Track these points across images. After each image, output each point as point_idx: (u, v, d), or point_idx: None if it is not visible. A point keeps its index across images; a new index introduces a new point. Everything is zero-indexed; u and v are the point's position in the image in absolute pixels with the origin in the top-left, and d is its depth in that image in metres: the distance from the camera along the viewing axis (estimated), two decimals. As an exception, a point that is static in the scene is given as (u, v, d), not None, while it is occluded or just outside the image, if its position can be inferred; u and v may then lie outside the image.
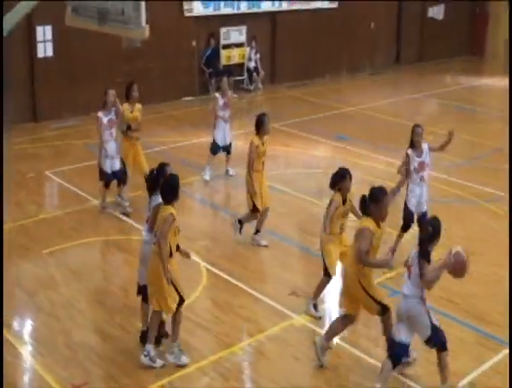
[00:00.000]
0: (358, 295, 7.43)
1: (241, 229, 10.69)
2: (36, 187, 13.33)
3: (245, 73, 22.40)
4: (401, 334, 7.00)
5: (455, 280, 9.17)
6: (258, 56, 22.29)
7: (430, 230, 6.99)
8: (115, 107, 11.91)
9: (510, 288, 9.08)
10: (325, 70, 24.20)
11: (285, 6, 22.94)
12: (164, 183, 7.77)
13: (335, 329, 7.78)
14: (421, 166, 10.23)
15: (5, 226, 11.12)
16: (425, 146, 10.37)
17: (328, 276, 8.77)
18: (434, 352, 7.07)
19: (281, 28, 23.17)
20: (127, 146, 12.03)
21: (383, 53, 27.04)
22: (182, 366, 7.54)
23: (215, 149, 13.75)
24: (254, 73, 22.30)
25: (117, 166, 11.95)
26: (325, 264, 8.74)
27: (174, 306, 7.46)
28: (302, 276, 9.87)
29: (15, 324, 8.53)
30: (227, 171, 13.94)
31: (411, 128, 10.66)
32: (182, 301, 7.56)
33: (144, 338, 7.81)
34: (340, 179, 8.48)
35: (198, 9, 20.73)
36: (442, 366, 7.05)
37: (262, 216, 10.66)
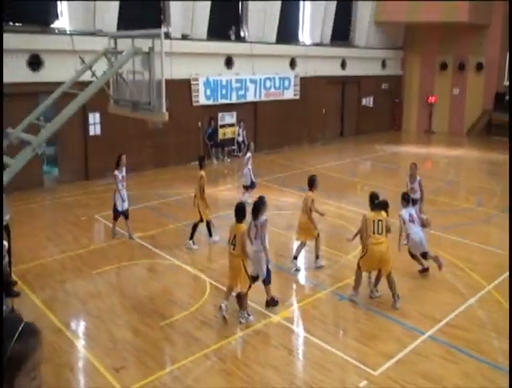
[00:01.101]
0: None
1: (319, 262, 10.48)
2: (88, 227, 13.24)
3: (236, 145, 22.53)
4: None
5: (384, 286, 9.22)
6: (245, 132, 22.45)
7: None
8: (124, 167, 12.01)
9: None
10: (291, 142, 24.39)
11: (263, 97, 23.22)
12: (238, 209, 8.31)
13: None
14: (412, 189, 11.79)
15: (64, 255, 11.08)
16: (418, 178, 11.86)
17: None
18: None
19: (260, 113, 23.37)
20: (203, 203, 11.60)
21: (331, 129, 27.32)
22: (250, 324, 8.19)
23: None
24: (242, 145, 22.44)
25: (126, 206, 12.05)
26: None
27: (246, 288, 8.24)
28: (277, 287, 9.82)
29: (72, 324, 8.41)
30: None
31: (415, 166, 12.08)
32: (249, 287, 8.29)
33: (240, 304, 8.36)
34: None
35: (202, 100, 20.94)
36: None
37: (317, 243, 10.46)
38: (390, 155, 23.50)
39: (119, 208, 11.98)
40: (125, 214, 12.09)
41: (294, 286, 10.04)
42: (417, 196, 11.85)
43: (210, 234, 11.75)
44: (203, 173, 11.49)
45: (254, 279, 8.55)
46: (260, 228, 8.47)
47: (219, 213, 13.31)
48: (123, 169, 12.00)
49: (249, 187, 15.01)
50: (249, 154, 15.11)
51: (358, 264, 9.04)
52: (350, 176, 19.02)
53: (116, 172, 11.88)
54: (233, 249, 8.27)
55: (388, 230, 8.93)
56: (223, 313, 8.30)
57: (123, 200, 11.94)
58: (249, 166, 14.92)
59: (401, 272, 10.22)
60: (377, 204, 9.16)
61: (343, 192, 16.46)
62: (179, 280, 10.03)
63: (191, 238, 11.54)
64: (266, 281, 8.67)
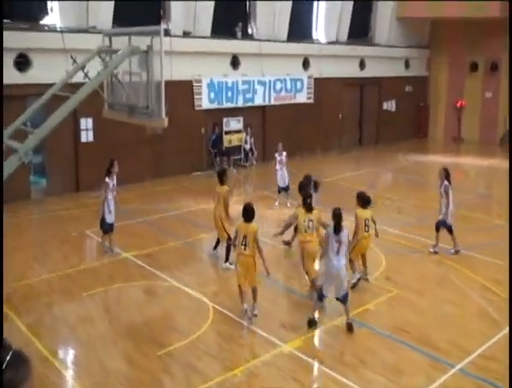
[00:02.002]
0: None
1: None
2: (79, 243, 13.27)
3: (242, 153, 22.57)
4: None
5: (411, 314, 9.18)
6: (252, 139, 22.50)
7: None
8: (115, 176, 12.19)
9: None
10: (303, 150, 24.40)
11: (273, 101, 23.29)
12: (247, 210, 9.07)
13: None
14: None
15: (52, 275, 11.10)
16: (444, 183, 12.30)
17: None
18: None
19: (269, 118, 23.47)
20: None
21: (348, 137, 27.34)
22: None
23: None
24: (249, 153, 22.49)
25: (113, 219, 12.20)
26: None
27: (256, 283, 9.16)
28: (288, 312, 9.76)
29: (60, 353, 8.40)
30: None
31: (444, 170, 12.47)
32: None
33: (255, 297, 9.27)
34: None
35: (205, 104, 21.03)
36: None
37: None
38: (414, 165, 23.45)
39: (108, 221, 12.12)
40: (112, 228, 12.31)
41: (308, 310, 9.98)
42: (443, 201, 12.23)
43: (226, 259, 11.52)
44: (227, 187, 11.74)
45: (321, 297, 8.94)
46: (343, 242, 8.76)
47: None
48: (115, 177, 12.15)
49: (285, 189, 16.25)
50: (284, 153, 16.66)
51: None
52: (370, 189, 18.92)
53: (107, 179, 12.02)
54: (245, 249, 8.92)
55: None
56: (249, 315, 9.10)
57: (110, 212, 12.10)
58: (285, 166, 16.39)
59: (430, 298, 10.17)
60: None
61: (339, 207, 16.38)
62: (179, 304, 10.00)
63: (227, 259, 11.45)
64: (346, 299, 8.87)
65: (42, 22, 17.34)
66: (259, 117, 23.31)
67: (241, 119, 22.48)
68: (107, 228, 12.25)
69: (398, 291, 10.41)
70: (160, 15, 19.73)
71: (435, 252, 12.30)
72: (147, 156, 19.54)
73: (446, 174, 12.40)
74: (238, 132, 22.46)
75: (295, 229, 11.32)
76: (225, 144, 22.02)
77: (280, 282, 10.94)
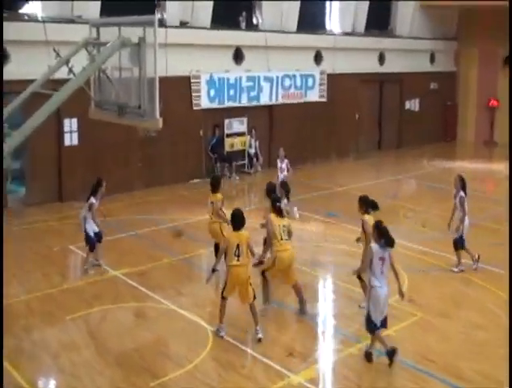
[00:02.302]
0: None
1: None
2: (61, 260, 13.31)
3: (246, 159, 22.61)
4: None
5: (434, 340, 9.17)
6: (257, 143, 22.55)
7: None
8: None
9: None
10: (316, 155, 24.43)
11: (281, 99, 23.35)
12: (237, 216, 9.37)
13: None
14: None
15: (32, 295, 11.13)
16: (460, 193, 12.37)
17: None
18: None
19: (277, 119, 23.55)
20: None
21: (366, 140, 27.39)
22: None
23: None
24: (254, 159, 22.53)
25: (96, 229, 12.49)
26: None
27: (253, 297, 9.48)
28: (297, 338, 9.76)
29: (40, 383, 8.42)
30: None
31: (459, 179, 12.47)
32: (254, 297, 9.49)
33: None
34: None
35: (205, 103, 21.11)
36: None
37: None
38: (441, 173, 23.43)
39: (91, 233, 12.33)
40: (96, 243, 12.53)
41: (320, 337, 9.99)
42: (457, 214, 12.37)
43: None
44: (221, 196, 12.07)
45: (373, 330, 8.79)
46: (386, 259, 8.68)
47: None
48: (100, 196, 12.49)
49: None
50: (286, 161, 16.85)
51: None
52: (390, 199, 18.97)
53: (93, 200, 12.24)
54: (238, 260, 9.15)
55: None
56: (222, 334, 9.45)
57: (91, 224, 12.38)
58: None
59: (457, 322, 10.16)
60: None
61: (382, 219, 16.31)
62: (174, 329, 10.00)
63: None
64: (386, 325, 8.83)
65: (21, 11, 17.45)
66: (265, 118, 23.38)
67: (245, 120, 22.56)
68: (93, 242, 12.37)
69: (422, 314, 10.40)
70: (154, 3, 19.82)
71: (461, 271, 12.35)
72: (138, 162, 19.60)
73: (462, 183, 12.43)
74: (241, 134, 22.53)
75: (265, 241, 11.19)
76: (227, 148, 22.08)
77: (288, 304, 10.94)
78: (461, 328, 9.96)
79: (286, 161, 16.86)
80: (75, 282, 12.00)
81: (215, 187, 12.19)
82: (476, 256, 12.42)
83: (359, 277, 10.26)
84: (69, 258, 13.54)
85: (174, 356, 9.07)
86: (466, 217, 12.31)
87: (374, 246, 8.76)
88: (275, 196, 10.89)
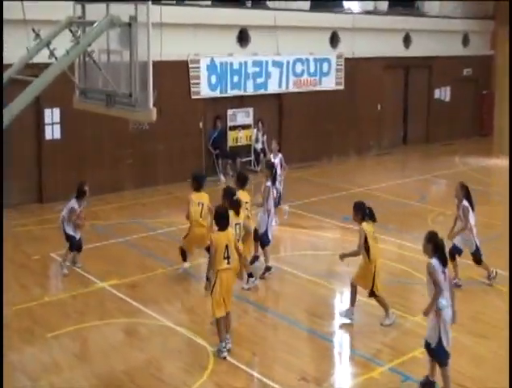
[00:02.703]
0: None
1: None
2: (41, 270, 13.36)
3: (252, 155, 22.64)
4: None
5: (467, 363, 9.19)
6: (265, 137, 22.55)
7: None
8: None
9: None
10: (332, 151, 24.46)
11: (292, 87, 23.40)
12: (223, 215, 9.64)
13: None
14: None
15: (7, 310, 11.16)
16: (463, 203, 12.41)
17: None
18: None
19: (287, 110, 23.59)
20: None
21: (390, 134, 27.42)
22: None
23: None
24: (261, 155, 22.53)
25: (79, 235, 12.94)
26: None
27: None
28: (310, 360, 9.78)
29: (17, 411, 8.45)
30: None
31: (461, 187, 12.49)
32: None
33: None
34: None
35: (205, 91, 21.17)
36: None
37: None
38: (475, 171, 23.39)
39: (76, 236, 12.78)
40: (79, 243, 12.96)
41: (336, 359, 10.01)
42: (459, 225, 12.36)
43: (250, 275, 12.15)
44: (206, 195, 12.42)
45: (445, 361, 8.60)
46: (448, 276, 8.64)
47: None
48: (84, 202, 12.88)
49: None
50: (280, 155, 16.87)
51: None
52: (418, 201, 18.96)
53: (75, 205, 12.60)
54: (228, 262, 9.41)
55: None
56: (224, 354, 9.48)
57: (74, 230, 12.76)
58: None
59: (491, 342, 10.16)
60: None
61: (407, 225, 16.42)
62: (170, 349, 10.04)
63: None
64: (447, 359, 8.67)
65: (-4, -14, 17.54)
66: (274, 109, 23.45)
67: (251, 111, 22.63)
68: (74, 241, 12.76)
69: (453, 334, 10.37)
70: (147, -23, 19.93)
71: (489, 284, 12.42)
72: (128, 158, 19.65)
73: (465, 191, 12.41)
74: (247, 127, 22.60)
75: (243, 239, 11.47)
76: (230, 143, 22.16)
77: (301, 323, 10.96)
78: (497, 349, 9.95)
79: (280, 156, 16.77)
80: (57, 294, 12.04)
81: (201, 185, 12.57)
82: (457, 281, 12.18)
83: (373, 294, 10.44)
84: (50, 267, 13.58)
85: (169, 379, 9.08)
86: (474, 229, 12.26)
87: (434, 261, 8.60)
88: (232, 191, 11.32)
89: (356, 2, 25.76)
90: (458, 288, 12.19)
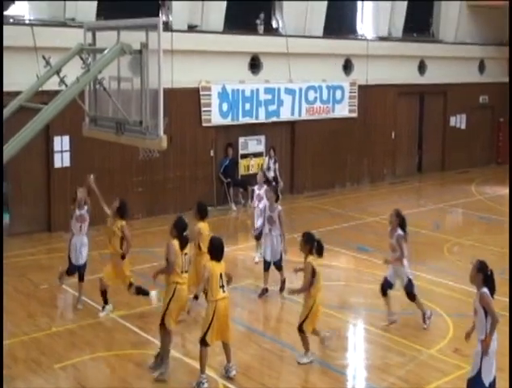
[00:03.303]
0: None
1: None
2: (49, 299, 13.36)
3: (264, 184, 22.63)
4: None
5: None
6: (277, 165, 22.53)
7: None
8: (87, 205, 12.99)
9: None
10: (345, 179, 24.49)
11: (305, 115, 23.50)
12: (220, 246, 9.78)
13: None
14: None
15: (15, 340, 11.20)
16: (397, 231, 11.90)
17: None
18: None
19: (300, 137, 23.66)
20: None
21: (404, 162, 27.42)
22: None
23: None
24: (273, 184, 22.51)
25: (81, 262, 12.81)
26: None
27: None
28: (323, 393, 9.77)
29: None
30: None
31: (397, 215, 12.18)
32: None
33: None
34: None
35: (216, 119, 21.27)
36: None
37: None
38: (492, 200, 23.33)
39: (74, 262, 12.72)
40: (80, 273, 12.83)
41: (348, 392, 9.99)
42: (396, 255, 11.77)
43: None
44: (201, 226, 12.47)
45: None
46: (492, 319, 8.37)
47: (239, 283, 13.33)
48: (85, 207, 12.91)
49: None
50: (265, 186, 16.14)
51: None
52: (433, 231, 18.91)
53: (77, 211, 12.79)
54: (223, 291, 9.59)
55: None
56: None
57: (75, 250, 12.72)
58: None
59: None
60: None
61: (422, 255, 16.33)
62: (180, 381, 10.02)
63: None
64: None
65: (6, 13, 17.73)
66: (286, 136, 23.53)
67: (263, 138, 22.72)
68: (72, 269, 12.83)
69: (470, 367, 10.32)
70: (158, 4, 20.08)
71: (425, 328, 11.78)
72: (138, 186, 19.71)
73: (399, 219, 12.07)
74: (259, 155, 22.65)
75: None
76: (241, 171, 22.22)
77: (312, 351, 10.93)
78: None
79: (264, 187, 16.10)
80: (65, 325, 12.03)
81: (202, 214, 12.67)
82: (428, 313, 11.86)
83: (300, 328, 10.46)
84: (59, 297, 13.60)
85: (179, 412, 9.09)
86: (405, 260, 11.77)
87: (487, 291, 8.43)
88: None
89: (370, 27, 25.91)
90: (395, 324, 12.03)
